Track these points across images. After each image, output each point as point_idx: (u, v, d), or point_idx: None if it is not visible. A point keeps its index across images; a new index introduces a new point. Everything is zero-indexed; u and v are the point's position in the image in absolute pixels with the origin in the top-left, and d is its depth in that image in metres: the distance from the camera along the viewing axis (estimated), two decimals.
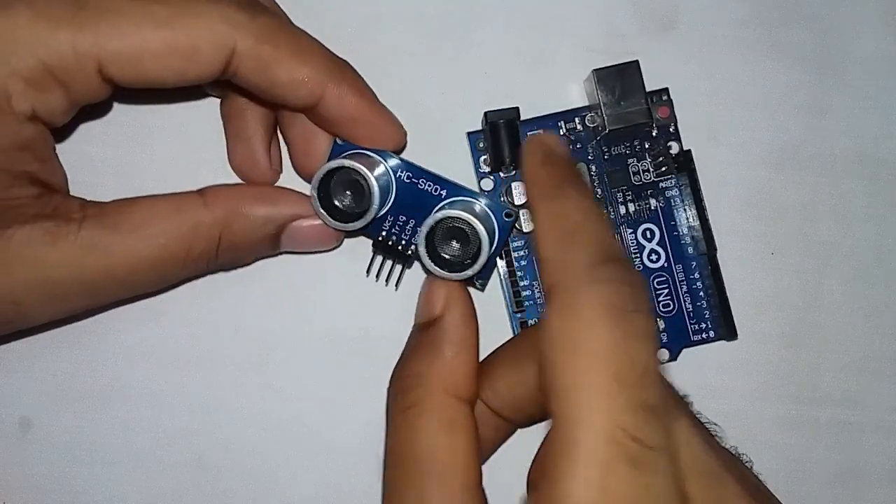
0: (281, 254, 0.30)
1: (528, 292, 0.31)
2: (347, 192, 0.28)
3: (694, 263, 0.31)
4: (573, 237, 0.21)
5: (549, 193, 0.22)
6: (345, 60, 0.28)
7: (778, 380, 0.32)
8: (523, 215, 0.31)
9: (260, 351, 0.31)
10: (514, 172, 0.31)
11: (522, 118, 0.31)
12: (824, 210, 0.33)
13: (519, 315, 0.31)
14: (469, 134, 0.32)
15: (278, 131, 0.30)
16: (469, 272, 0.27)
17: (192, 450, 0.30)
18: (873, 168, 0.33)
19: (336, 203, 0.28)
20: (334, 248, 0.30)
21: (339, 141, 0.28)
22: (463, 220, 0.27)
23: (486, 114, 0.31)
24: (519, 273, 0.31)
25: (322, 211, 0.27)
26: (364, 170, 0.27)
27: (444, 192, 0.28)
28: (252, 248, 0.29)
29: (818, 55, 0.33)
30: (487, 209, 0.28)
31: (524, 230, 0.31)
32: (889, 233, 0.33)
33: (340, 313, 0.31)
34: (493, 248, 0.27)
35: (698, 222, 0.31)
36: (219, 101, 0.30)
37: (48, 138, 0.27)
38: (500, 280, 0.31)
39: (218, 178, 0.29)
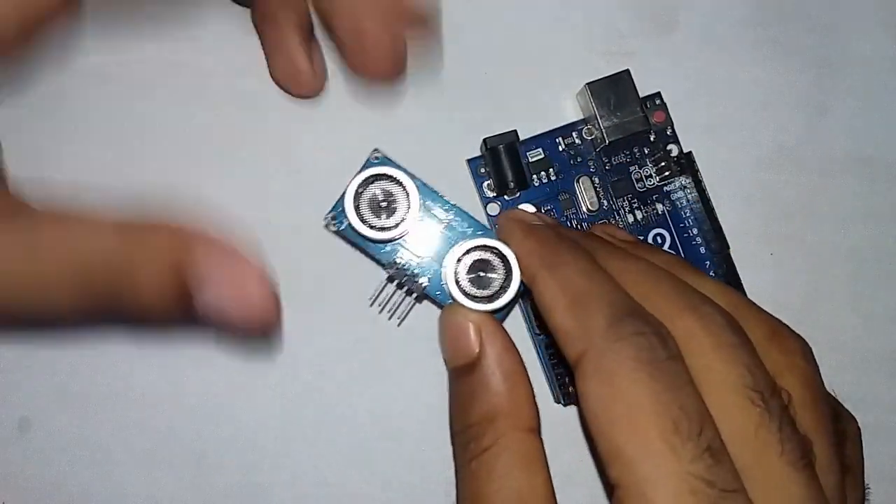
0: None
1: None
2: (381, 204, 0.26)
3: (708, 263, 0.31)
4: (583, 302, 0.20)
5: (545, 264, 0.22)
6: None
7: None
8: None
9: (259, 351, 0.31)
10: (518, 195, 0.31)
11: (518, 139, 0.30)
12: (824, 210, 0.33)
13: (542, 336, 0.31)
14: (469, 161, 0.31)
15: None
16: (496, 304, 0.25)
17: (192, 450, 0.30)
18: (873, 168, 0.33)
19: (364, 213, 0.26)
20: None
21: (375, 156, 0.26)
22: (496, 249, 0.25)
23: (484, 140, 0.30)
24: None
25: (353, 212, 0.25)
26: (408, 178, 0.25)
27: (469, 231, 0.26)
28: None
29: (818, 55, 0.33)
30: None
31: None
32: (889, 233, 0.33)
33: (342, 313, 0.31)
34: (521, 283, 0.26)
35: (708, 222, 0.31)
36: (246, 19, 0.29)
37: None
38: (519, 304, 0.31)
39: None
